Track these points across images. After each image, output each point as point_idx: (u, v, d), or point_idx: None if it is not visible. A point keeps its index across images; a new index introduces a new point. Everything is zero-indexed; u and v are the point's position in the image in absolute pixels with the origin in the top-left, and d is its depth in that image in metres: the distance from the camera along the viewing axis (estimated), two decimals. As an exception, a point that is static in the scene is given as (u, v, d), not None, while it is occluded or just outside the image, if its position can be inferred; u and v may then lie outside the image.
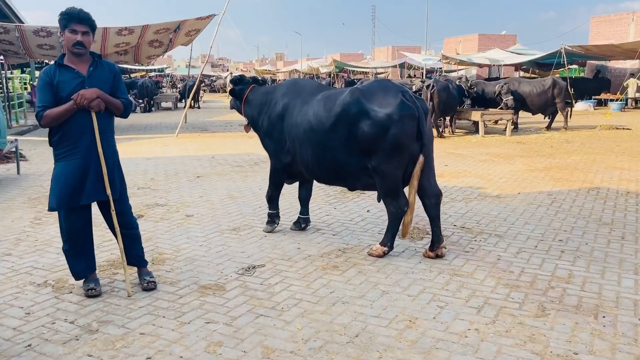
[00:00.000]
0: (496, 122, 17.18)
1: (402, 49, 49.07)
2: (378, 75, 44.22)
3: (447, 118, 15.63)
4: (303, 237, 5.77)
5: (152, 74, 45.80)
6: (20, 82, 22.52)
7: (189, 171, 9.80)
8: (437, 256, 5.04)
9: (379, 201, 5.21)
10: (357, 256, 5.14)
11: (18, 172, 9.50)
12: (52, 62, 4.48)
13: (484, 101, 15.96)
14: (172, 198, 7.62)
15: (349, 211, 6.86)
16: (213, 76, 58.64)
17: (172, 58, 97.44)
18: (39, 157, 11.47)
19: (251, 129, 6.02)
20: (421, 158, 4.84)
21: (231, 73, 53.14)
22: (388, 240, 5.14)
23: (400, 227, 5.10)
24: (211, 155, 11.59)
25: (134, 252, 4.36)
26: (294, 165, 5.50)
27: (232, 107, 6.38)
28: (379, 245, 5.17)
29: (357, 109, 4.77)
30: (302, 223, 6.07)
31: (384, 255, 5.09)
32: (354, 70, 47.90)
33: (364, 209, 6.96)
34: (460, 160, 10.85)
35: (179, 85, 34.73)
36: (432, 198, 5.03)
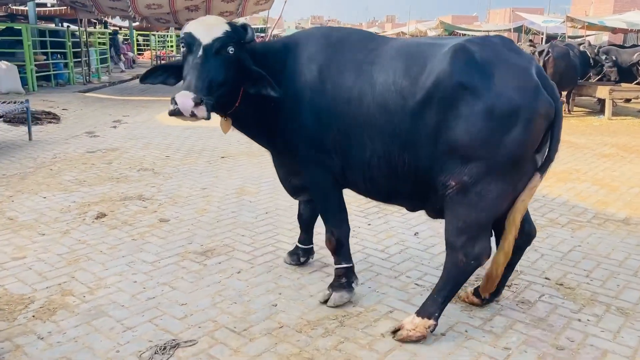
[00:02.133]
0: (629, 100, 13.73)
1: (521, 10, 43.89)
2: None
3: (564, 93, 12.50)
4: (293, 283, 3.77)
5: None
6: (105, 39, 22.10)
7: (218, 148, 8.04)
8: (481, 300, 3.48)
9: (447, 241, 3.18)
10: (373, 331, 3.10)
11: (30, 138, 8.27)
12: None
13: (617, 72, 12.62)
14: (167, 188, 5.86)
15: (385, 232, 4.68)
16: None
17: (283, 19, 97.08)
18: (76, 118, 10.33)
19: (231, 125, 3.48)
20: (537, 178, 3.03)
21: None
22: (437, 309, 3.14)
23: (484, 277, 3.29)
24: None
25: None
26: (347, 174, 3.33)
27: None
28: (416, 318, 3.13)
29: (460, 83, 2.85)
30: (300, 256, 4.08)
31: (425, 336, 3.09)
32: (464, 34, 43.71)
33: (411, 229, 4.77)
34: (572, 153, 8.10)
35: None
36: (520, 237, 3.21)
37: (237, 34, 3.12)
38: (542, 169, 3.03)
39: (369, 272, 3.93)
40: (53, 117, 10.13)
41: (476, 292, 3.47)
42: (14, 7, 20.77)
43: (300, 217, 4.09)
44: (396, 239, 4.52)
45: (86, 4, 14.95)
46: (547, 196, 5.75)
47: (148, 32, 30.09)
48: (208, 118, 2.89)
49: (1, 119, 8.26)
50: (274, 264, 4.04)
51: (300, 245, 4.12)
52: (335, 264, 3.56)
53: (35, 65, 14.25)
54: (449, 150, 2.92)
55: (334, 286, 3.54)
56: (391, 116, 3.03)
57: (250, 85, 3.17)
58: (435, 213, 3.27)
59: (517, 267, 3.73)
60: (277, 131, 3.39)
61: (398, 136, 3.03)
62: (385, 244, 4.41)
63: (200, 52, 2.98)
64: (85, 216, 4.90)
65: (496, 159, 2.86)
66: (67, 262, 3.95)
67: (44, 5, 23.31)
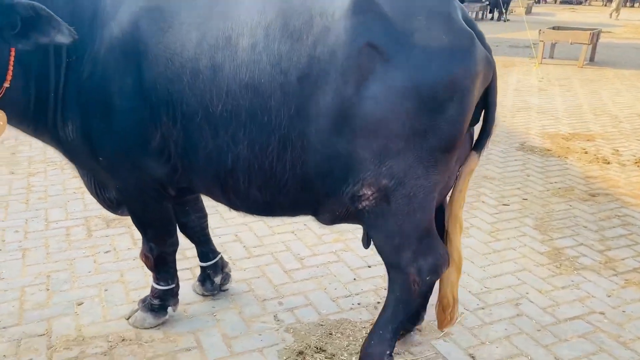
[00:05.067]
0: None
1: None
2: None
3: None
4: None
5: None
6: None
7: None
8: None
9: (366, 247, 2.73)
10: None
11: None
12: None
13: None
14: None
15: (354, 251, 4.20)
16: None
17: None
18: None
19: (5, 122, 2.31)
20: (474, 159, 2.44)
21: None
22: (387, 347, 2.57)
23: (437, 307, 2.71)
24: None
25: None
26: (194, 183, 2.55)
27: None
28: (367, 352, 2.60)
29: (370, 45, 2.08)
30: (211, 278, 3.33)
31: None
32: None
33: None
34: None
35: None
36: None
37: None
38: (479, 146, 2.42)
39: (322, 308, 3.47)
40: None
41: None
42: None
43: (185, 228, 3.18)
44: (360, 262, 4.06)
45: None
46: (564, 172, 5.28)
47: None
48: None
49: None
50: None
51: (203, 265, 3.30)
52: (153, 281, 3.03)
53: None
54: (357, 147, 2.14)
55: (143, 304, 3.07)
56: (263, 100, 2.16)
57: (23, 36, 2.03)
58: (335, 221, 2.52)
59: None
60: (71, 121, 2.37)
61: (275, 129, 2.18)
62: (349, 264, 3.95)
63: None
64: None
65: (425, 148, 2.16)
66: None
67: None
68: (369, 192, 2.23)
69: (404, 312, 2.54)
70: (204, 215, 3.24)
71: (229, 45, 2.18)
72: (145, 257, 2.95)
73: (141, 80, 2.25)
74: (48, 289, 3.45)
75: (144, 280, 3.52)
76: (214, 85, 2.19)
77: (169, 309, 3.07)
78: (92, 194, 2.87)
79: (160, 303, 3.05)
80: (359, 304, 3.40)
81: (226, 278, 3.37)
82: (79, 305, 3.30)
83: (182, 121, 2.28)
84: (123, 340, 3.00)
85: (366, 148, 2.16)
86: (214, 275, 3.32)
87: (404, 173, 2.19)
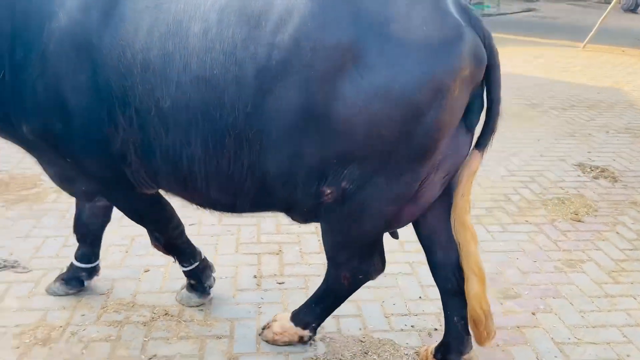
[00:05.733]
0: None
1: None
2: None
3: None
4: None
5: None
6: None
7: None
8: None
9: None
10: None
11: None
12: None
13: None
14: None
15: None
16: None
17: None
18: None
19: None
20: (476, 158, 2.18)
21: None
22: (314, 320, 2.73)
23: (470, 323, 2.40)
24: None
25: None
26: (157, 180, 2.35)
27: None
28: (288, 322, 2.77)
29: (339, 40, 1.85)
30: (85, 278, 3.15)
31: (293, 343, 2.77)
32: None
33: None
34: None
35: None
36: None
37: None
38: (481, 143, 2.15)
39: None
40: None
41: (441, 350, 2.60)
42: None
43: (80, 223, 2.98)
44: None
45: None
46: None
47: None
48: None
49: None
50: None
51: (79, 264, 3.07)
52: (179, 264, 3.00)
53: None
54: (321, 148, 1.97)
55: (186, 285, 3.10)
56: (215, 94, 1.95)
57: None
58: (302, 218, 2.36)
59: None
60: (29, 122, 2.21)
61: (229, 128, 1.99)
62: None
63: None
64: None
65: (393, 156, 1.97)
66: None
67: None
68: (328, 191, 2.11)
69: (334, 299, 2.66)
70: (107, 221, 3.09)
71: (180, 32, 1.97)
72: (155, 246, 2.90)
73: (95, 76, 2.05)
74: (127, 252, 3.68)
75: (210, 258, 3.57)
76: (164, 78, 1.99)
77: (206, 285, 3.07)
78: (59, 186, 2.73)
79: (196, 282, 3.05)
80: (412, 326, 3.06)
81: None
82: (145, 272, 3.47)
83: (137, 120, 2.09)
84: (166, 314, 3.07)
85: (330, 149, 1.99)
86: (85, 278, 3.15)
87: (365, 179, 2.04)
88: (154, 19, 2.01)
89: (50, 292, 3.16)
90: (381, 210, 2.15)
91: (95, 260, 3.17)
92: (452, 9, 1.90)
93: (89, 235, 3.07)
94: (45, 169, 2.64)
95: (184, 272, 3.07)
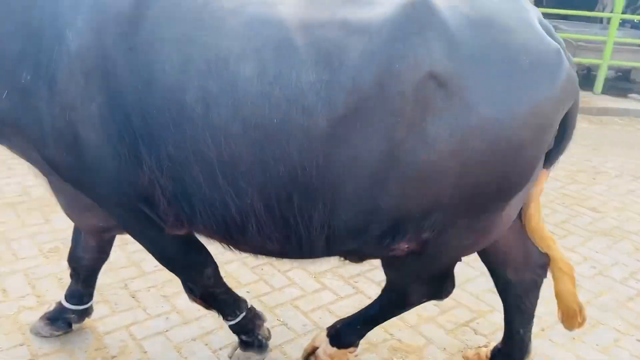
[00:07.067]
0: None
1: None
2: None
3: None
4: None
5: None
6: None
7: None
8: None
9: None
10: None
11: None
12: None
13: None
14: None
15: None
16: None
17: None
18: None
19: None
20: (543, 177, 2.03)
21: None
22: (357, 339, 2.54)
23: (563, 319, 2.34)
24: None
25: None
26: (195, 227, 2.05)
27: None
28: (330, 347, 2.49)
29: (431, 74, 1.61)
30: (73, 321, 2.80)
31: None
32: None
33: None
34: None
35: None
36: (535, 270, 2.36)
37: None
38: (549, 162, 1.97)
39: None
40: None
41: (498, 354, 2.63)
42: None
43: (75, 258, 2.63)
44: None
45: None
46: None
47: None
48: None
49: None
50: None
51: (69, 306, 2.70)
52: (224, 320, 2.57)
53: None
54: (402, 200, 1.74)
55: (238, 344, 2.66)
56: (279, 146, 1.67)
57: None
58: (362, 260, 2.22)
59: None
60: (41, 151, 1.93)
61: (295, 181, 1.71)
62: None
63: None
64: None
65: (483, 196, 1.79)
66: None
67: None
68: (405, 246, 1.92)
69: (387, 317, 2.51)
70: (106, 257, 2.76)
71: (226, 71, 1.66)
72: (192, 299, 2.48)
73: (110, 107, 1.74)
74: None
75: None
76: (207, 124, 1.68)
77: (261, 339, 2.64)
78: (70, 218, 2.46)
79: (249, 337, 2.63)
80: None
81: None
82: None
83: (168, 164, 1.77)
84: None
85: (413, 200, 1.76)
86: (77, 320, 2.79)
87: (446, 225, 1.84)
88: (187, 53, 1.69)
89: (34, 331, 2.77)
90: (460, 248, 2.02)
91: (90, 300, 2.79)
92: (543, 30, 1.71)
93: (83, 271, 2.70)
94: (56, 196, 2.36)
95: (230, 327, 2.60)
